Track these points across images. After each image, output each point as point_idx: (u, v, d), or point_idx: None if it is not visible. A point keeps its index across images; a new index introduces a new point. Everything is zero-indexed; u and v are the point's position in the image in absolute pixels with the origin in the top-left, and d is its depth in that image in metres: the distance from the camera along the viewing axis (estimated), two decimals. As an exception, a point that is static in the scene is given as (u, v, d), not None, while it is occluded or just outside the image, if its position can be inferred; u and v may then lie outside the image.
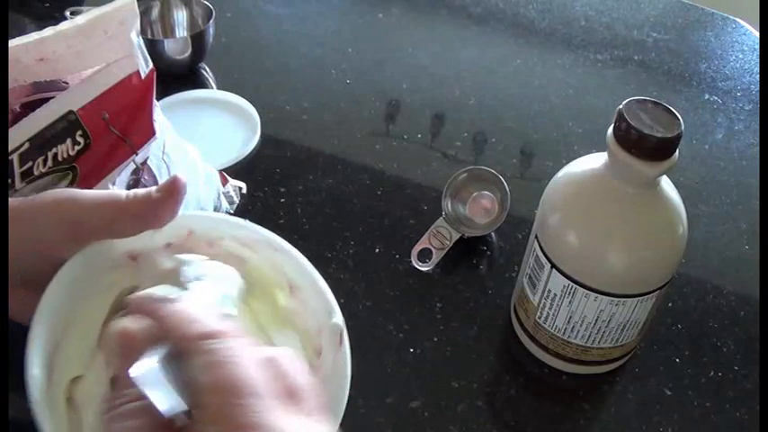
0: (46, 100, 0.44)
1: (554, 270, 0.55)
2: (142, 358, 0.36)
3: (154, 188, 0.43)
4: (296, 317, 0.47)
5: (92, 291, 0.44)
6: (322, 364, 0.45)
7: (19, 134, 0.43)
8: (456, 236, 0.68)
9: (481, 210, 0.70)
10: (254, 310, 0.48)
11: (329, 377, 0.44)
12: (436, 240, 0.68)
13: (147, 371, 0.35)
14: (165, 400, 0.34)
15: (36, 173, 0.44)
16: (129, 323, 0.38)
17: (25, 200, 0.42)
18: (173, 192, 0.43)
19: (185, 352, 0.36)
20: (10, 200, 0.42)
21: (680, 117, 0.50)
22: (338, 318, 0.45)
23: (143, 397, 0.35)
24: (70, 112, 0.45)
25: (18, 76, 0.45)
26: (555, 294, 0.56)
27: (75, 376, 0.41)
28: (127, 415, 0.35)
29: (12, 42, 0.44)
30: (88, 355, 0.42)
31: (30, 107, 0.44)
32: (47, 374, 0.40)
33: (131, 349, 0.37)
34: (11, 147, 0.43)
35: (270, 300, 0.48)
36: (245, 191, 0.71)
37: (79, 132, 0.45)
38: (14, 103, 0.46)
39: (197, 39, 0.84)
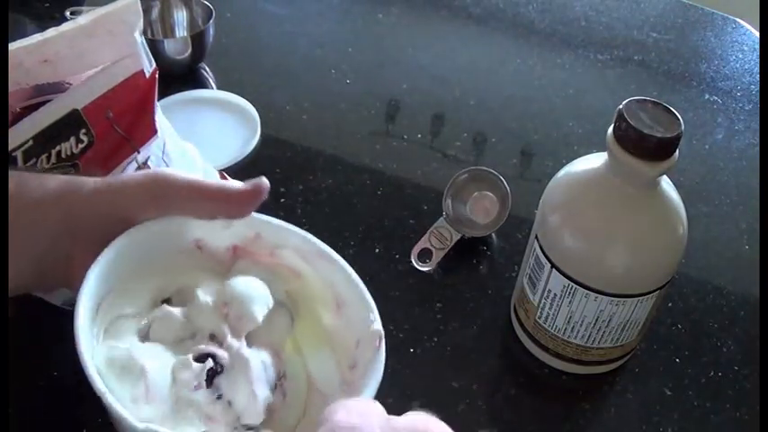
0: (47, 103, 0.44)
1: (554, 270, 0.55)
2: None
3: (243, 183, 0.45)
4: (336, 334, 0.48)
5: (153, 266, 0.45)
6: (355, 378, 0.46)
7: (23, 131, 0.43)
8: (457, 236, 0.68)
9: (482, 210, 0.70)
10: (294, 330, 0.49)
11: (362, 379, 0.45)
12: (437, 240, 0.69)
13: None
14: None
15: (39, 169, 0.44)
16: None
17: (121, 179, 0.44)
18: (258, 188, 0.45)
19: None
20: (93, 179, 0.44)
21: (680, 117, 0.50)
22: (378, 324, 0.46)
23: None
24: (74, 110, 0.45)
25: (20, 80, 0.45)
26: (555, 294, 0.56)
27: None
28: None
29: (14, 45, 0.44)
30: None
31: (30, 110, 0.44)
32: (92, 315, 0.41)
33: None
34: (15, 144, 0.43)
35: (313, 318, 0.49)
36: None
37: (83, 130, 0.46)
38: (15, 106, 0.46)
39: (197, 39, 0.84)
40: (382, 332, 0.46)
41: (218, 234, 0.47)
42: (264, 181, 0.46)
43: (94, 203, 0.43)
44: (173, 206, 0.45)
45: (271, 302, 0.46)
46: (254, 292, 0.46)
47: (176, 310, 0.44)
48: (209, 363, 0.43)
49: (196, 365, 0.42)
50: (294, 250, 0.49)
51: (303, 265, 0.49)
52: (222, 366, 0.43)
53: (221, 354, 0.43)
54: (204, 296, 0.45)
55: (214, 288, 0.46)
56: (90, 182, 0.44)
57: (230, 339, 0.44)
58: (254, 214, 0.47)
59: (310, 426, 0.44)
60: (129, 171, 0.51)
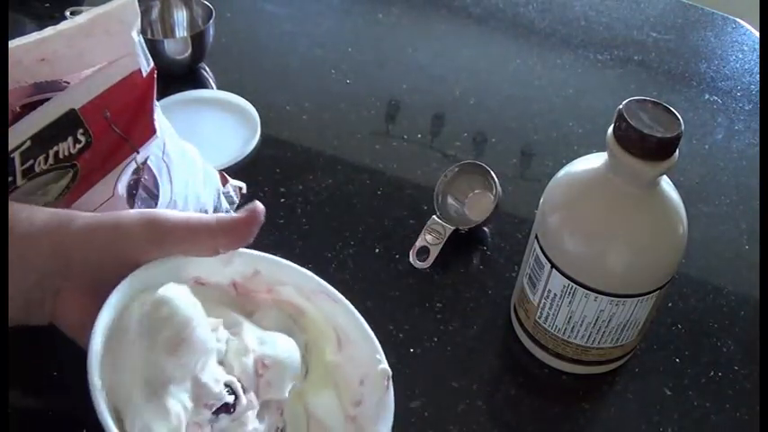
0: (46, 101, 0.44)
1: (554, 270, 0.55)
2: None
3: (236, 212, 0.46)
4: (338, 371, 0.49)
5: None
6: (361, 413, 0.47)
7: (21, 132, 0.43)
8: (450, 229, 0.68)
9: (471, 195, 0.72)
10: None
11: (371, 417, 0.46)
12: (432, 237, 0.69)
13: None
14: None
15: (37, 170, 0.44)
16: None
17: (105, 221, 0.44)
18: (254, 214, 0.45)
19: None
20: (82, 214, 0.43)
21: (680, 117, 0.50)
22: (385, 364, 0.47)
23: None
24: (72, 110, 0.45)
25: (19, 78, 0.45)
26: (555, 294, 0.56)
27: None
28: None
29: (12, 43, 0.44)
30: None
31: (30, 108, 0.44)
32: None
33: None
34: (13, 145, 0.43)
35: (317, 355, 0.49)
36: (245, 191, 0.71)
37: (80, 130, 0.45)
38: (15, 104, 0.46)
39: (197, 39, 0.84)
40: (389, 372, 0.46)
41: (217, 271, 0.47)
42: (259, 205, 0.46)
43: (87, 241, 0.43)
44: (172, 247, 0.45)
45: (300, 372, 0.46)
46: (291, 362, 0.46)
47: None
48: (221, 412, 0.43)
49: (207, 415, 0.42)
50: (294, 288, 0.49)
51: (304, 302, 0.49)
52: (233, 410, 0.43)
53: (238, 408, 0.43)
54: (249, 339, 0.45)
55: (252, 334, 0.46)
56: (80, 217, 0.43)
57: (251, 397, 0.44)
58: (254, 251, 0.47)
59: None
60: (128, 172, 0.50)
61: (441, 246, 0.68)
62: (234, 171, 0.73)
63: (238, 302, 0.49)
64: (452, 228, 0.69)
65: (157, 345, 0.41)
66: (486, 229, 0.71)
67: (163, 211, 0.46)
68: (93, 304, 0.42)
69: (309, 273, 0.49)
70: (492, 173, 0.70)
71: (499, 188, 0.68)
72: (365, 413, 0.47)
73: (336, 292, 0.49)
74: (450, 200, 0.72)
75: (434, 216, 0.70)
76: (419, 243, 0.69)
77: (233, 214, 0.46)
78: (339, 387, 0.48)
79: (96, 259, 0.43)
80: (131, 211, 0.46)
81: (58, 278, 0.43)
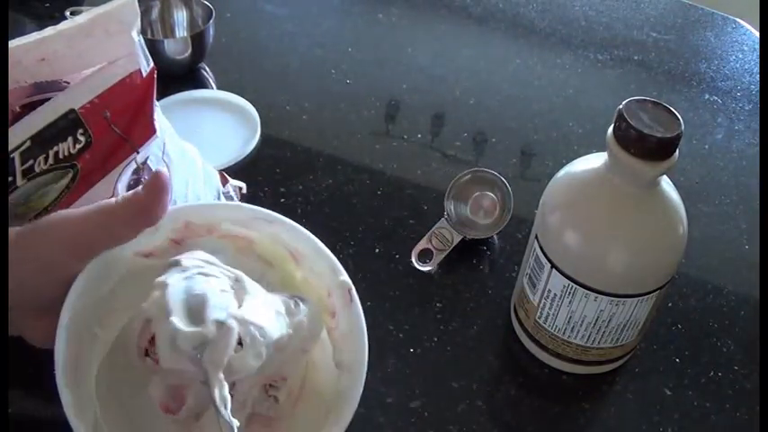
0: (46, 101, 0.44)
1: (554, 270, 0.55)
2: None
3: (140, 188, 0.44)
4: (307, 285, 0.50)
5: (122, 301, 0.46)
6: (338, 324, 0.48)
7: (20, 132, 0.43)
8: (458, 238, 0.68)
9: (483, 211, 0.70)
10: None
11: (347, 334, 0.47)
12: (438, 242, 0.68)
13: None
14: None
15: (37, 170, 0.44)
16: None
17: (24, 228, 0.43)
18: (158, 187, 0.44)
19: None
20: (10, 229, 0.43)
21: (680, 117, 0.50)
22: (344, 276, 0.48)
23: None
24: (71, 110, 0.45)
25: (19, 78, 0.45)
26: (555, 294, 0.56)
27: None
28: None
29: (12, 43, 0.44)
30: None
31: (30, 108, 0.44)
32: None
33: None
34: (13, 145, 0.43)
35: (287, 274, 0.50)
36: (245, 191, 0.71)
37: (80, 131, 0.45)
38: (15, 104, 0.46)
39: (197, 39, 0.84)
40: (350, 283, 0.48)
41: (151, 239, 0.47)
42: (161, 172, 0.44)
43: (11, 274, 0.42)
44: (90, 253, 0.44)
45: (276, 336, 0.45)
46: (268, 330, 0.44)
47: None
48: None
49: None
50: (232, 222, 0.49)
51: (246, 231, 0.50)
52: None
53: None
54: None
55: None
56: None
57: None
58: (176, 206, 0.47)
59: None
60: (128, 172, 0.50)
61: (446, 253, 0.68)
62: (234, 171, 0.73)
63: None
64: (460, 237, 0.68)
65: None
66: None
67: (64, 213, 0.43)
68: (43, 320, 0.43)
69: (238, 203, 0.50)
70: (507, 185, 0.69)
71: (512, 200, 0.68)
72: (340, 326, 0.48)
73: (271, 212, 0.49)
74: (458, 206, 0.71)
75: (443, 220, 0.69)
76: (422, 245, 0.68)
77: (137, 189, 0.44)
78: (314, 298, 0.49)
79: (29, 282, 0.43)
80: (42, 228, 0.43)
81: (12, 306, 0.43)
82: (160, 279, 0.43)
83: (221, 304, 0.42)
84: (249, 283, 0.45)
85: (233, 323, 0.41)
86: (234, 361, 0.41)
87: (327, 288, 0.49)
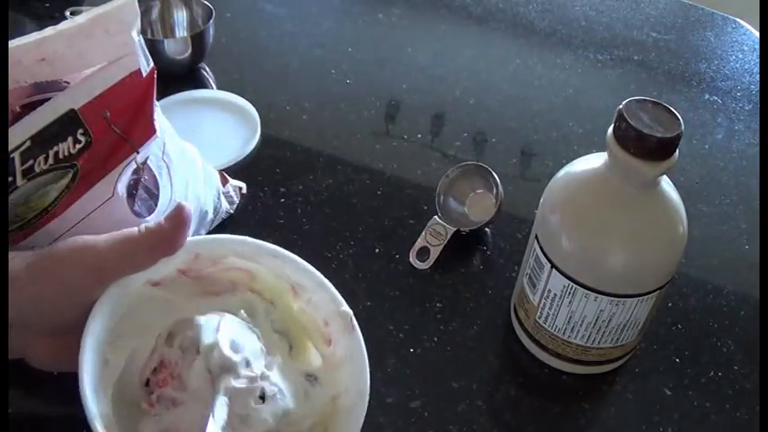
0: (46, 101, 0.44)
1: (554, 270, 0.55)
2: None
3: (162, 219, 0.46)
4: (303, 315, 0.51)
5: (129, 328, 0.47)
6: (335, 351, 0.50)
7: (20, 132, 0.43)
8: (451, 230, 0.68)
9: (470, 198, 0.72)
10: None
11: (347, 359, 0.49)
12: (432, 238, 0.69)
13: None
14: None
15: (37, 170, 0.44)
16: None
17: (42, 253, 0.44)
18: (180, 219, 0.46)
19: None
20: (28, 254, 0.44)
21: (680, 117, 0.50)
22: (345, 306, 0.50)
23: None
24: (71, 110, 0.45)
25: (19, 78, 0.45)
26: (555, 294, 0.56)
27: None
28: None
29: (12, 43, 0.44)
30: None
31: (30, 108, 0.44)
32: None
33: None
34: (13, 145, 0.43)
35: (285, 306, 0.52)
36: (245, 191, 0.71)
37: (80, 131, 0.45)
38: (15, 104, 0.46)
39: (197, 39, 0.84)
40: (350, 313, 0.49)
41: (161, 268, 0.48)
42: (183, 206, 0.46)
43: (33, 295, 0.43)
44: (110, 278, 0.45)
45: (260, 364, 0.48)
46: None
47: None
48: None
49: None
50: (236, 255, 0.51)
51: (251, 264, 0.51)
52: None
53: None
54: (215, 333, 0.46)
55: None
56: (13, 273, 0.43)
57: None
58: (190, 239, 0.48)
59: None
60: (128, 172, 0.50)
61: (441, 247, 0.68)
62: (234, 171, 0.73)
63: (200, 287, 0.51)
64: (454, 229, 0.69)
65: None
66: (486, 229, 0.71)
67: (88, 239, 0.45)
68: (56, 344, 0.45)
69: (244, 237, 0.51)
70: (494, 174, 0.70)
71: (501, 190, 0.68)
72: (336, 352, 0.50)
73: (276, 247, 0.51)
74: (451, 201, 0.72)
75: (436, 217, 0.70)
76: (419, 243, 0.69)
77: (159, 221, 0.46)
78: (308, 330, 0.51)
79: (49, 305, 0.44)
80: (55, 248, 0.45)
81: (17, 327, 0.44)
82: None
83: (256, 353, 0.46)
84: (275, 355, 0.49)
85: (261, 372, 0.46)
86: (252, 412, 0.44)
87: (324, 318, 0.51)
